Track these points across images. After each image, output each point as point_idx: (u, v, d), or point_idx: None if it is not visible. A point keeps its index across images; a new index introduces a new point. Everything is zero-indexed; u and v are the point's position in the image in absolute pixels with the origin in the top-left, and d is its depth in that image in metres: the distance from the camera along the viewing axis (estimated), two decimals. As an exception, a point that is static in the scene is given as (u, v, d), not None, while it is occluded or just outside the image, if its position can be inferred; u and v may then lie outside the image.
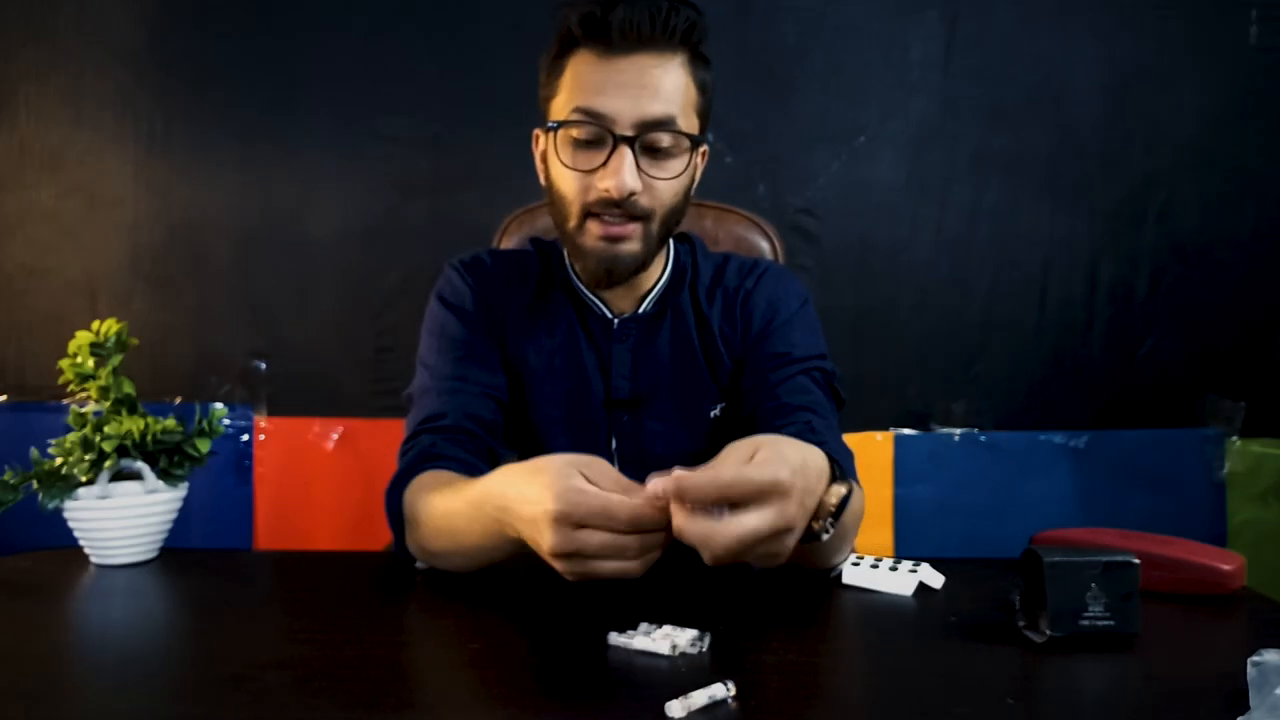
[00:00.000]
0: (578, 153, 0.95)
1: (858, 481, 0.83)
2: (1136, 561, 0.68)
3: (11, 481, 0.94)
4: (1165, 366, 1.92)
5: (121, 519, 0.93)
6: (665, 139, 0.94)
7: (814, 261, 1.94)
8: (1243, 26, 1.87)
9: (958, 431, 1.94)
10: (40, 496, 0.93)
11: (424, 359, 1.05)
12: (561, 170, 0.96)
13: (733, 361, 1.08)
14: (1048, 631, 0.67)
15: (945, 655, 0.68)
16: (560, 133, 0.95)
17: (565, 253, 1.08)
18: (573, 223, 0.98)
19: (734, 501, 0.60)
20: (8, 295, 2.00)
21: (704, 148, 1.03)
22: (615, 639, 0.68)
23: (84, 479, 0.94)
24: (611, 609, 0.75)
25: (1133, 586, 0.68)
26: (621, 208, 0.94)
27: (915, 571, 0.84)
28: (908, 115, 1.92)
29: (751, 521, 0.60)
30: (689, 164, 0.98)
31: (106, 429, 0.94)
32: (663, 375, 1.06)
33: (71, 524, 0.94)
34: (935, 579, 0.84)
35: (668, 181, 0.96)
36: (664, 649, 0.66)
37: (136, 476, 0.96)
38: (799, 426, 0.94)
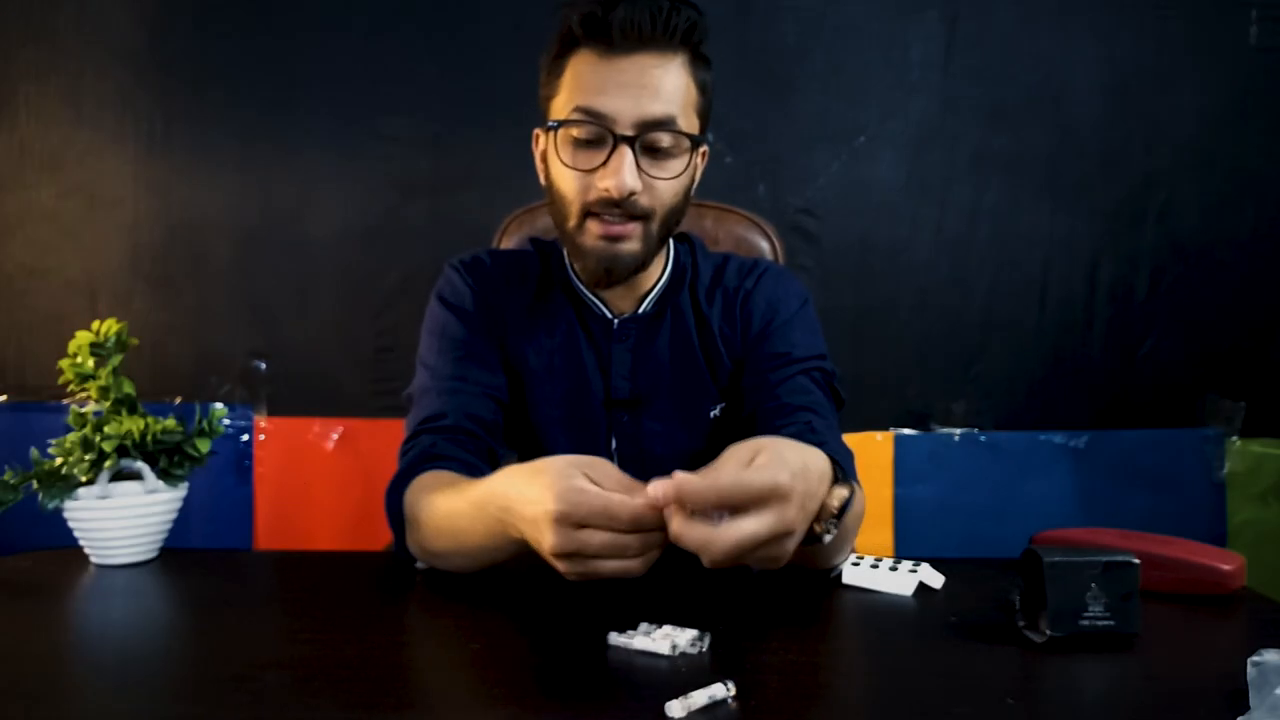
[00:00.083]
0: (578, 152, 0.95)
1: (858, 482, 0.83)
2: (1136, 561, 0.68)
3: (11, 481, 0.94)
4: (1165, 366, 1.92)
5: (121, 519, 0.93)
6: (665, 139, 0.94)
7: (814, 261, 1.94)
8: (1243, 26, 1.87)
9: (958, 431, 1.94)
10: (40, 496, 0.93)
11: (424, 359, 1.05)
12: (561, 170, 0.96)
13: (732, 362, 1.08)
14: (1048, 631, 0.67)
15: (945, 655, 0.68)
16: (560, 132, 0.95)
17: (565, 253, 1.08)
18: (572, 222, 0.98)
19: (733, 507, 0.60)
20: (8, 295, 2.00)
21: (704, 148, 1.03)
22: (615, 639, 0.68)
23: (84, 479, 0.94)
24: (611, 609, 0.75)
25: (1133, 586, 0.68)
26: (621, 207, 0.94)
27: (915, 571, 0.84)
28: (908, 115, 1.92)
29: (749, 526, 0.59)
30: (689, 164, 0.98)
31: (106, 429, 0.94)
32: (662, 375, 1.06)
33: (71, 524, 0.94)
34: (935, 579, 0.84)
35: (668, 181, 0.96)
36: (664, 649, 0.66)
37: (136, 476, 0.96)
38: (799, 427, 0.94)
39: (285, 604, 0.85)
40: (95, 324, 0.98)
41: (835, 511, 0.73)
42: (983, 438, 1.93)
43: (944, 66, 1.91)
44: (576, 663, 0.66)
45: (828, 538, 0.73)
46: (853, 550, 0.89)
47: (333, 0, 1.93)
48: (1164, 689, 0.63)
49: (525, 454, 1.08)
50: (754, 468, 0.61)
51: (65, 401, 1.13)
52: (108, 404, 0.96)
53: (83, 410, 0.96)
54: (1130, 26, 1.88)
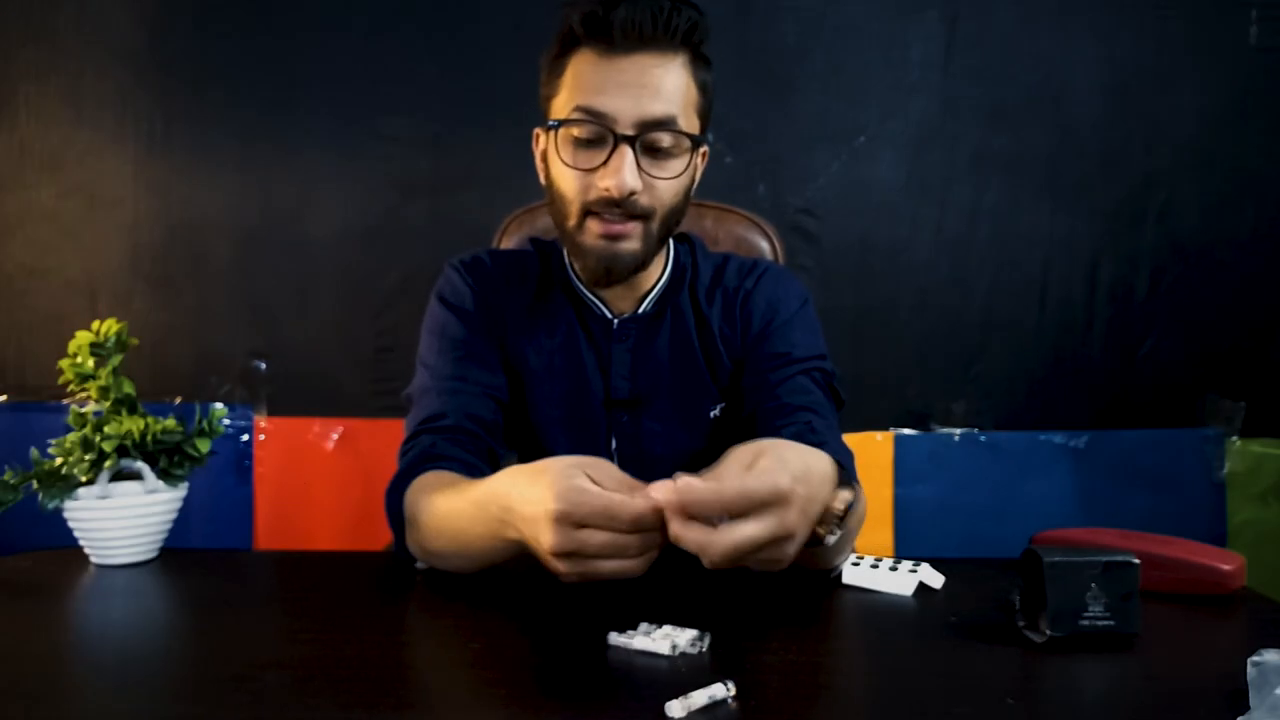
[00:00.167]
0: (578, 152, 0.95)
1: (858, 482, 0.83)
2: (1136, 561, 0.68)
3: (11, 481, 0.94)
4: (1165, 366, 1.92)
5: (121, 519, 0.93)
6: (666, 139, 0.94)
7: (814, 261, 1.94)
8: (1243, 26, 1.87)
9: (958, 431, 1.94)
10: (40, 496, 0.93)
11: (424, 359, 1.05)
12: (562, 169, 0.96)
13: (732, 362, 1.08)
14: (1048, 631, 0.67)
15: (945, 655, 0.68)
16: (561, 131, 0.95)
17: (565, 252, 1.08)
18: (572, 221, 0.98)
19: (735, 513, 0.60)
20: (8, 295, 2.00)
21: (704, 148, 1.03)
22: (615, 639, 0.68)
23: (84, 479, 0.94)
24: (611, 609, 0.75)
25: (1133, 586, 0.68)
26: (622, 207, 0.94)
27: (915, 571, 0.84)
28: (908, 115, 1.92)
29: (749, 530, 0.59)
30: (689, 164, 0.98)
31: (106, 429, 0.94)
32: (662, 375, 1.06)
33: (71, 524, 0.94)
34: (935, 579, 0.84)
35: (668, 181, 0.96)
36: (664, 649, 0.66)
37: (136, 476, 0.96)
38: (799, 427, 0.94)
39: (285, 604, 0.85)
40: (95, 324, 0.98)
41: (839, 514, 0.72)
42: (983, 438, 1.93)
43: (944, 66, 1.91)
44: (576, 663, 0.66)
45: (831, 539, 0.73)
46: (853, 550, 0.89)
47: (333, 0, 1.94)
48: (1164, 689, 0.63)
49: (525, 454, 1.08)
50: (755, 471, 0.61)
51: (65, 401, 1.13)
52: (108, 404, 0.96)
53: (83, 410, 0.96)
54: (1130, 26, 1.89)
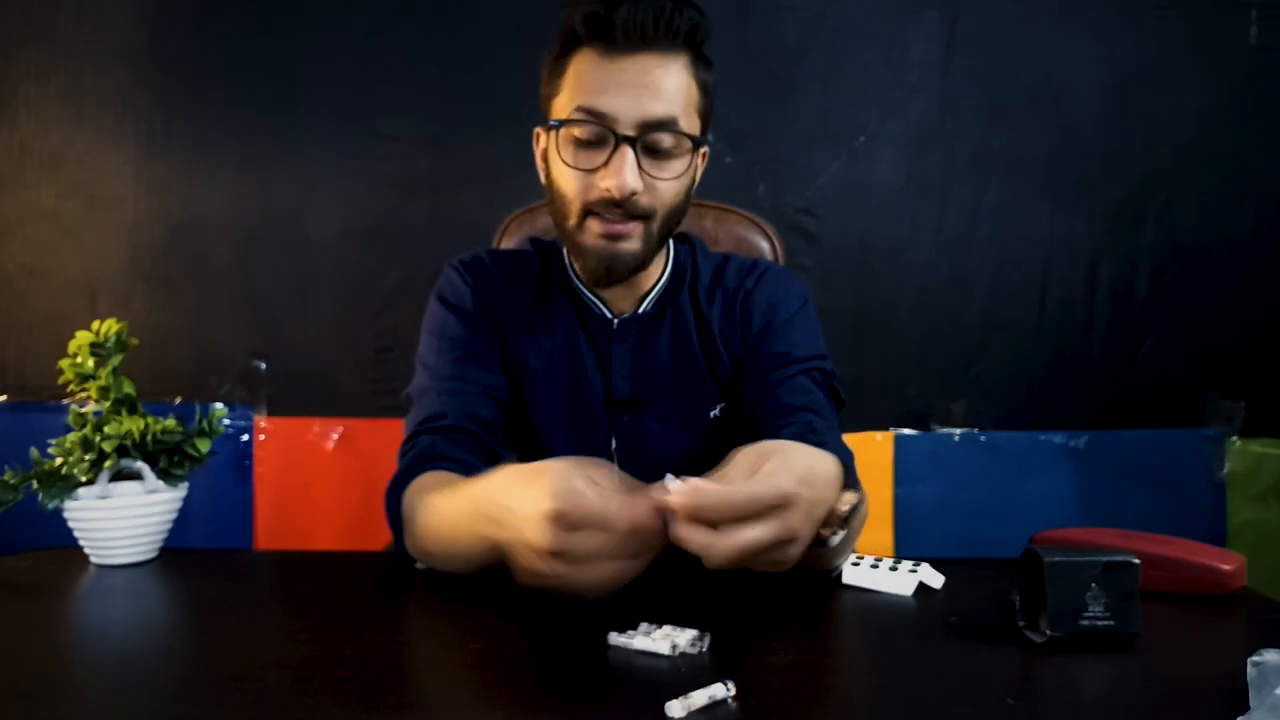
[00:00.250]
0: (579, 152, 0.95)
1: (860, 484, 0.83)
2: (1136, 561, 0.68)
3: (11, 481, 0.94)
4: (1165, 366, 1.92)
5: (121, 519, 0.93)
6: (667, 140, 0.94)
7: (814, 261, 1.94)
8: (1243, 26, 1.87)
9: (958, 431, 1.94)
10: (40, 496, 0.93)
11: (424, 359, 1.05)
12: (562, 169, 0.96)
13: (732, 362, 1.08)
14: (1048, 631, 0.67)
15: (945, 655, 0.68)
16: (562, 131, 0.95)
17: (565, 252, 1.08)
18: (573, 221, 0.98)
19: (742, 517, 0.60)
20: (8, 295, 2.00)
21: (705, 148, 1.03)
22: (615, 639, 0.68)
23: (84, 479, 0.94)
24: (611, 609, 0.75)
25: (1133, 586, 0.68)
26: (622, 207, 0.94)
27: (915, 571, 0.84)
28: (908, 115, 1.92)
29: (754, 534, 0.59)
30: (690, 165, 0.98)
31: (106, 429, 0.94)
32: (662, 375, 1.06)
33: (71, 524, 0.94)
34: (935, 579, 0.84)
35: (669, 182, 0.96)
36: (664, 649, 0.66)
37: (136, 476, 0.96)
38: (799, 427, 0.94)
39: (285, 604, 0.85)
40: (95, 324, 0.98)
41: (843, 516, 0.72)
42: (983, 438, 1.93)
43: (944, 66, 1.91)
44: (576, 663, 0.66)
45: (834, 541, 0.72)
46: (853, 551, 0.89)
47: (333, 0, 1.94)
48: (1164, 689, 0.63)
49: (525, 454, 1.07)
50: (762, 475, 0.60)
51: (65, 401, 1.12)
52: (108, 404, 0.96)
53: (83, 410, 0.96)
54: (1130, 26, 1.89)
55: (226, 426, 1.10)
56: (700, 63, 0.97)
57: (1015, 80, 1.91)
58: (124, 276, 1.98)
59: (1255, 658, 0.55)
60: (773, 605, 0.80)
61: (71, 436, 0.95)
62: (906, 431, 1.94)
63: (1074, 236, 1.92)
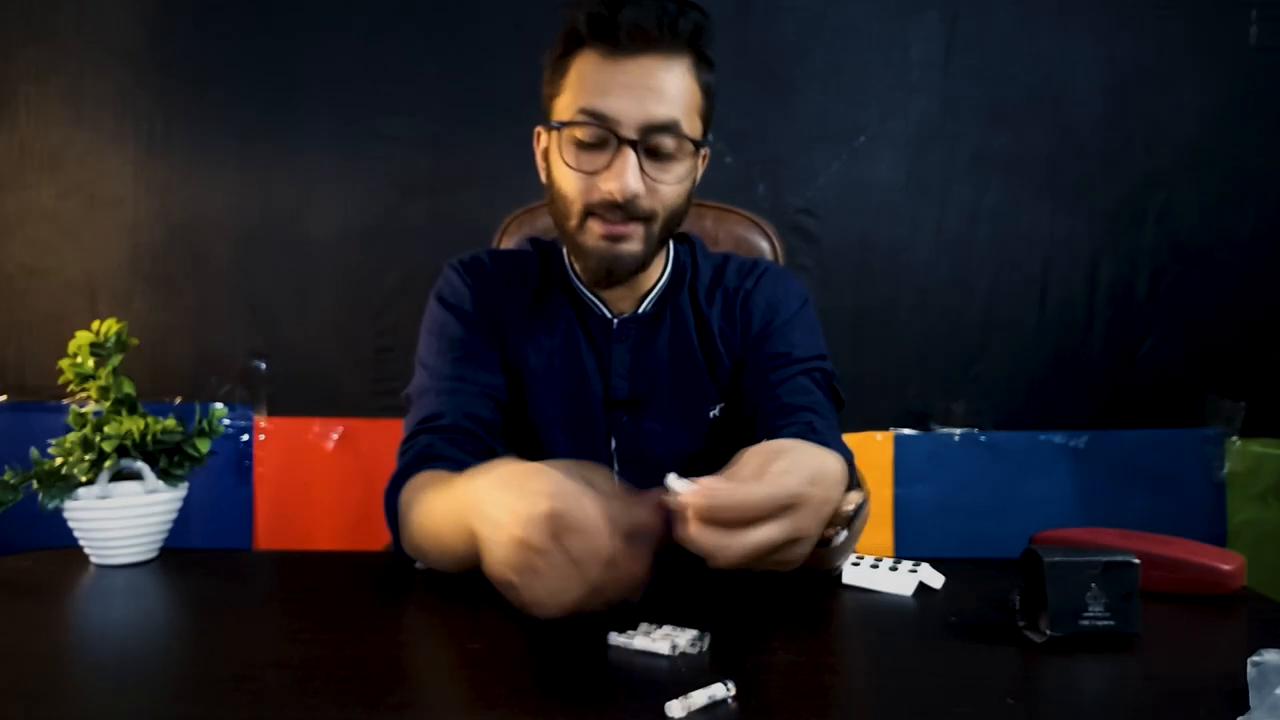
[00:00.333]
0: (581, 153, 0.95)
1: (861, 483, 0.83)
2: (1136, 561, 0.68)
3: (11, 481, 0.94)
4: (1165, 366, 1.92)
5: (121, 519, 0.93)
6: (669, 143, 0.94)
7: (814, 261, 1.94)
8: (1243, 26, 1.87)
9: (958, 431, 1.94)
10: (40, 496, 0.93)
11: (423, 359, 1.05)
12: (564, 170, 0.96)
13: (732, 362, 1.08)
14: (1048, 631, 0.67)
15: (945, 655, 0.68)
16: (564, 132, 0.95)
17: (565, 252, 1.08)
18: (574, 222, 0.98)
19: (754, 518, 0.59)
20: (8, 295, 2.00)
21: (706, 150, 1.03)
22: (615, 639, 0.68)
23: (84, 479, 0.94)
24: (611, 609, 0.75)
25: (1133, 586, 0.68)
26: (623, 209, 0.94)
27: (915, 571, 0.84)
28: (908, 115, 1.92)
29: (765, 534, 0.58)
30: (691, 167, 0.98)
31: (106, 429, 0.94)
32: (662, 375, 1.06)
33: (71, 524, 0.94)
34: (935, 579, 0.84)
35: (670, 185, 0.96)
36: (664, 649, 0.66)
37: (136, 476, 0.96)
38: (799, 427, 0.94)
39: (285, 604, 0.85)
40: (95, 324, 0.98)
41: (848, 516, 0.72)
42: (983, 438, 1.93)
43: (944, 66, 1.91)
44: (576, 663, 0.66)
45: (838, 540, 0.72)
46: (854, 551, 0.89)
47: (333, 0, 1.94)
48: (1164, 689, 0.63)
49: (525, 454, 1.07)
50: (772, 475, 0.60)
51: (65, 401, 1.12)
52: (108, 404, 0.96)
53: (83, 410, 0.96)
54: (1130, 26, 1.89)
55: (226, 426, 1.10)
56: (703, 65, 0.97)
57: (1015, 80, 1.91)
58: (124, 276, 1.98)
59: (1255, 658, 0.55)
60: (773, 605, 0.80)
61: (71, 436, 0.95)
62: (906, 431, 1.94)
63: (1074, 236, 1.92)
